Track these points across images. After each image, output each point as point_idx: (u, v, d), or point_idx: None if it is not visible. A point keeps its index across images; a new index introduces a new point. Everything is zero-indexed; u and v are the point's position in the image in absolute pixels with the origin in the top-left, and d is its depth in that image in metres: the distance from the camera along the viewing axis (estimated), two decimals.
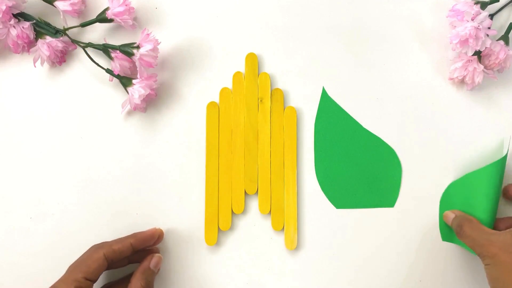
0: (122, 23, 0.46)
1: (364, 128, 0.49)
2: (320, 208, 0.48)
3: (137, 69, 0.45)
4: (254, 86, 0.49)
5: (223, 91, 0.49)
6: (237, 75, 0.49)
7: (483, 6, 0.48)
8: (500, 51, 0.47)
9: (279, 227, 0.47)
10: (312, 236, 0.48)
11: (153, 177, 0.48)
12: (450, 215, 0.46)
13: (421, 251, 0.48)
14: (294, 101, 0.50)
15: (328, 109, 0.49)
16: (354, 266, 0.48)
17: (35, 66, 0.47)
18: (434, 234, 0.48)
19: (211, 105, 0.48)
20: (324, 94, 0.49)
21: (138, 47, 0.45)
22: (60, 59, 0.48)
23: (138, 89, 0.45)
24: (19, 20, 0.46)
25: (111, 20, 0.47)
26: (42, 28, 0.46)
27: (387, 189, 0.49)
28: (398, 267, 0.48)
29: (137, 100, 0.45)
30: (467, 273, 0.48)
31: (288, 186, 0.48)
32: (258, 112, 0.49)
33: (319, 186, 0.49)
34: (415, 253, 0.48)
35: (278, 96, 0.49)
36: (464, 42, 0.47)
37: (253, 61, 0.49)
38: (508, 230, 0.41)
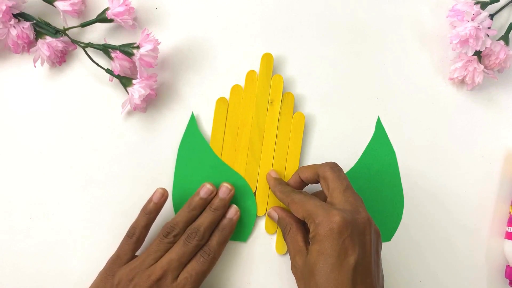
0: (122, 23, 0.46)
1: None
2: None
3: (137, 69, 0.45)
4: (267, 87, 0.48)
5: (235, 88, 0.48)
6: (250, 74, 0.48)
7: (483, 6, 0.48)
8: (500, 51, 0.47)
9: (273, 230, 0.47)
10: None
11: (153, 177, 0.48)
12: (274, 214, 0.45)
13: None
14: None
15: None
16: None
17: (35, 66, 0.47)
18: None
19: (221, 101, 0.48)
20: None
21: (138, 47, 0.45)
22: (60, 59, 0.48)
23: (138, 89, 0.45)
24: (19, 20, 0.46)
25: (111, 20, 0.47)
26: (42, 28, 0.46)
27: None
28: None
29: (137, 100, 0.45)
30: None
31: None
32: (267, 114, 0.48)
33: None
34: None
35: (288, 101, 0.48)
36: (464, 42, 0.47)
37: (268, 61, 0.48)
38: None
